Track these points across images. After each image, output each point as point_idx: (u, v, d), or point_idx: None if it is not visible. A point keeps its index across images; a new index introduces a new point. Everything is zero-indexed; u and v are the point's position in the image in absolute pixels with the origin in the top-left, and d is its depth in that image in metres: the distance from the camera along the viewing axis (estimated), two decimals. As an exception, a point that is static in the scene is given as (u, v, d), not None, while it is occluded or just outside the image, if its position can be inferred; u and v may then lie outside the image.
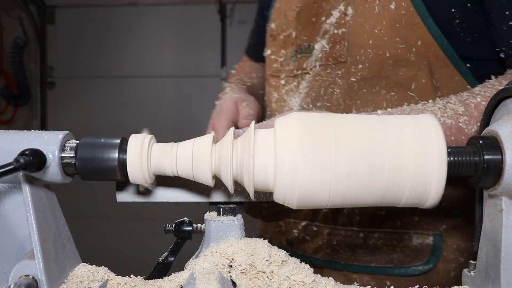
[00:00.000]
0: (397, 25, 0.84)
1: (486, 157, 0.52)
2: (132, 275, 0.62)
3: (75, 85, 3.52)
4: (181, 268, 0.62)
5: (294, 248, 1.07)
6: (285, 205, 0.55)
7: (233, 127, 0.59)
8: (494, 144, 0.52)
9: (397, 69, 0.86)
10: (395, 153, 0.52)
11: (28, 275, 0.54)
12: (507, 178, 0.50)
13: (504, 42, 0.81)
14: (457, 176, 0.54)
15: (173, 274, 0.60)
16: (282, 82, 1.05)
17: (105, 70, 3.51)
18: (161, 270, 0.69)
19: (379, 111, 0.76)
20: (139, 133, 0.59)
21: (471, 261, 0.59)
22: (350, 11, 0.88)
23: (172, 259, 0.70)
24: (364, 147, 0.52)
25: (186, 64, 3.45)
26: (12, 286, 0.51)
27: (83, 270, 0.61)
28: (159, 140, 0.61)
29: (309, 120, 0.54)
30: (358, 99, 0.90)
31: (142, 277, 0.62)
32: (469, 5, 0.82)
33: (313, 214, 1.04)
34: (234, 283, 0.58)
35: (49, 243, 0.56)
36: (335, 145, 0.51)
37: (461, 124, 0.70)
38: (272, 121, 0.68)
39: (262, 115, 1.07)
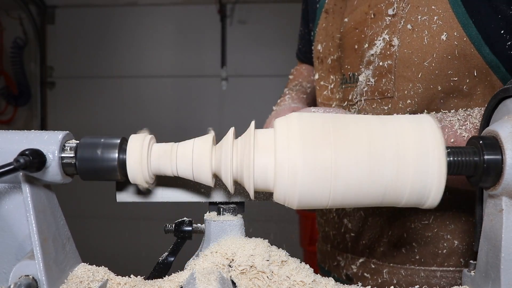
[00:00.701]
0: (449, 57, 0.78)
1: (486, 157, 0.52)
2: (132, 275, 0.62)
3: (75, 85, 3.52)
4: (181, 268, 0.62)
5: (354, 282, 1.04)
6: (285, 205, 0.55)
7: (233, 127, 0.59)
8: (494, 144, 0.52)
9: (449, 101, 0.81)
10: (395, 153, 0.52)
11: (28, 275, 0.54)
12: (507, 178, 0.50)
13: None
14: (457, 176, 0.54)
15: (173, 274, 0.60)
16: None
17: (105, 70, 3.51)
18: (161, 270, 0.69)
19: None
20: (139, 133, 0.59)
21: (471, 261, 0.59)
22: (396, 41, 0.83)
23: (172, 259, 0.70)
24: (364, 147, 0.52)
25: (186, 64, 3.45)
26: (12, 286, 0.51)
27: (83, 270, 0.61)
28: (159, 140, 0.61)
29: (309, 120, 0.54)
30: None
31: (142, 277, 0.62)
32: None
33: (369, 251, 1.01)
34: (234, 283, 0.58)
35: (49, 243, 0.56)
36: (335, 145, 0.51)
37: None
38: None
39: None
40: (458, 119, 0.70)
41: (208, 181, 0.58)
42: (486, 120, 0.57)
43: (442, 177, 0.51)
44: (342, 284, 0.59)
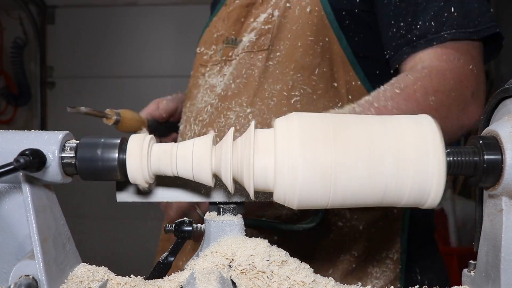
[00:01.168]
0: (310, 22, 1.05)
1: (486, 157, 0.52)
2: (132, 275, 0.62)
3: (75, 85, 3.52)
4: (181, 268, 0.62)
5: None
6: (285, 205, 0.55)
7: (233, 128, 0.60)
8: (494, 144, 0.52)
9: (305, 56, 1.06)
10: (395, 153, 0.52)
11: (28, 275, 0.54)
12: (507, 178, 0.50)
13: (388, 45, 1.01)
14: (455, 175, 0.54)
15: (173, 274, 0.60)
16: (207, 69, 1.25)
17: (105, 70, 3.51)
18: (161, 270, 0.69)
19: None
20: (138, 132, 0.59)
21: (471, 261, 0.59)
22: (276, 13, 1.10)
23: (172, 259, 0.70)
24: (364, 147, 0.52)
25: (186, 64, 3.44)
26: (12, 286, 0.51)
27: (83, 270, 0.61)
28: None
29: (309, 120, 0.54)
30: (270, 78, 1.08)
31: (142, 277, 0.62)
32: (356, 11, 1.05)
33: None
34: (234, 283, 0.58)
35: (49, 243, 0.56)
36: (335, 145, 0.51)
37: (357, 112, 0.84)
38: None
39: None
40: (343, 110, 0.88)
41: (208, 181, 0.58)
42: (486, 120, 0.57)
43: (442, 177, 0.51)
44: (342, 284, 0.59)
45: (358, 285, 0.60)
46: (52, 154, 0.55)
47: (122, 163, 0.56)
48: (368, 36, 1.07)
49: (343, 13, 1.05)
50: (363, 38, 1.07)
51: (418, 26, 0.95)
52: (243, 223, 0.64)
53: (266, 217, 1.08)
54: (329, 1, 1.05)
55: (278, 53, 1.09)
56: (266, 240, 0.61)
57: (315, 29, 1.06)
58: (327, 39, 1.06)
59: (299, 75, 1.07)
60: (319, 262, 1.09)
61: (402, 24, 0.97)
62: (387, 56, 1.02)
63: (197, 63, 1.33)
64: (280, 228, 1.08)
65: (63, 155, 0.56)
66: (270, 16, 1.11)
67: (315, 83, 1.06)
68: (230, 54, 1.19)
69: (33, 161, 0.51)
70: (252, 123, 0.56)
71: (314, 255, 1.10)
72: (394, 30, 0.98)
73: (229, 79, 1.15)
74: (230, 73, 1.15)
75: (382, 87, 0.90)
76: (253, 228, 1.09)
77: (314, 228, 1.07)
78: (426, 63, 0.93)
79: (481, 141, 0.53)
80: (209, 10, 1.56)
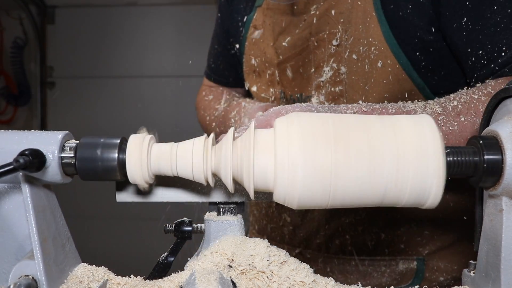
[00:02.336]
0: (385, 81, 0.91)
1: (486, 157, 0.52)
2: (132, 275, 0.62)
3: (75, 85, 3.52)
4: (181, 268, 0.62)
5: None
6: (285, 205, 0.55)
7: (233, 127, 0.59)
8: (494, 144, 0.52)
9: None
10: (395, 153, 0.52)
11: (28, 275, 0.54)
12: (507, 178, 0.50)
13: (469, 75, 0.86)
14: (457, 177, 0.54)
15: (173, 274, 0.60)
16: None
17: (105, 70, 3.51)
18: (161, 270, 0.69)
19: (361, 102, 0.81)
20: (136, 132, 0.59)
21: (471, 261, 0.59)
22: (343, 69, 0.94)
23: (172, 259, 0.70)
24: (363, 147, 0.52)
25: (186, 64, 3.45)
26: (12, 286, 0.51)
27: (83, 270, 0.61)
28: (159, 140, 0.61)
29: (309, 120, 0.54)
30: None
31: (142, 277, 0.62)
32: (430, 42, 0.88)
33: (306, 244, 1.12)
34: (234, 283, 0.58)
35: (49, 243, 0.56)
36: (334, 145, 0.51)
37: (439, 122, 0.74)
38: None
39: None
40: (419, 106, 0.77)
41: (208, 181, 0.58)
42: (486, 120, 0.57)
43: (442, 177, 0.51)
44: (342, 285, 0.59)
45: (358, 285, 0.60)
46: (51, 154, 0.55)
47: (122, 163, 0.56)
48: (447, 70, 0.92)
49: (417, 53, 0.88)
50: (442, 75, 0.92)
51: (502, 53, 0.79)
52: (243, 223, 0.64)
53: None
54: (401, 46, 0.88)
55: None
56: (266, 240, 0.61)
57: (391, 88, 0.91)
58: (406, 95, 0.91)
59: None
60: None
61: (480, 52, 0.81)
62: (469, 63, 0.86)
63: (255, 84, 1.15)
64: None
65: (62, 155, 0.56)
66: (336, 74, 0.95)
67: None
68: None
69: (33, 161, 0.51)
70: (252, 123, 0.56)
71: None
72: (473, 59, 0.83)
73: None
74: None
75: (476, 92, 0.76)
76: None
77: None
78: None
79: (481, 141, 0.53)
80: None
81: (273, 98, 1.10)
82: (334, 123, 0.54)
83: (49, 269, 0.55)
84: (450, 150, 0.53)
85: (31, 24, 3.48)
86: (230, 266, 0.59)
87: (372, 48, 0.90)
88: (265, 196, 0.67)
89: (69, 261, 0.61)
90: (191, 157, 0.57)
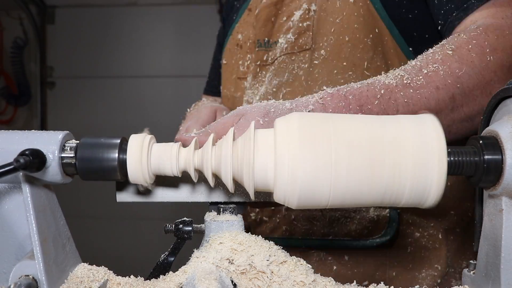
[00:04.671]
0: (356, 13, 0.95)
1: (486, 157, 0.52)
2: (132, 275, 0.62)
3: (75, 85, 3.52)
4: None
5: (251, 232, 1.08)
6: (285, 205, 0.55)
7: (233, 127, 0.59)
8: (494, 144, 0.52)
9: (355, 51, 0.96)
10: (395, 153, 0.52)
11: (28, 275, 0.54)
12: (507, 178, 0.50)
13: (437, 15, 0.89)
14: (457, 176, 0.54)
15: (173, 274, 0.60)
16: (249, 80, 1.12)
17: (105, 70, 3.51)
18: (161, 270, 0.69)
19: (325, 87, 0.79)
20: (139, 133, 0.59)
21: (471, 261, 0.59)
22: (313, 7, 0.99)
23: (172, 259, 0.70)
24: (364, 148, 0.52)
25: (186, 64, 3.44)
26: (12, 286, 0.51)
27: (83, 270, 0.61)
28: (159, 140, 0.61)
29: (309, 120, 0.54)
30: (319, 80, 0.98)
31: (142, 277, 0.62)
32: None
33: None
34: (234, 283, 0.58)
35: (49, 243, 0.56)
36: (335, 145, 0.51)
37: (405, 81, 0.72)
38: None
39: None
40: (382, 76, 0.76)
41: (208, 181, 0.58)
42: (486, 120, 0.57)
43: (442, 177, 0.51)
44: (342, 284, 0.59)
45: (358, 285, 0.60)
46: (52, 154, 0.55)
47: (122, 163, 0.56)
48: (418, 13, 0.95)
49: None
50: (412, 19, 0.95)
51: None
52: (243, 223, 0.64)
53: (333, 236, 1.00)
54: None
55: (322, 51, 0.98)
56: (267, 240, 0.61)
57: (362, 20, 0.95)
58: (376, 30, 0.96)
59: (350, 73, 0.97)
60: (398, 282, 0.98)
61: None
62: (439, 28, 0.90)
63: (229, 77, 1.20)
64: (351, 245, 0.99)
65: (63, 155, 0.56)
66: (307, 12, 1.00)
67: None
68: (264, 58, 1.08)
69: (33, 161, 0.51)
70: (252, 123, 0.56)
71: (392, 273, 1.00)
72: None
73: (270, 86, 1.04)
74: (270, 79, 1.05)
75: (430, 50, 0.78)
76: (320, 250, 1.01)
77: (389, 242, 0.98)
78: (479, 22, 0.81)
79: (481, 141, 0.53)
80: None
81: (248, 62, 1.13)
82: (334, 122, 0.54)
83: (49, 269, 0.55)
84: (450, 150, 0.53)
85: (31, 24, 3.48)
86: (230, 266, 0.59)
87: None
88: (265, 196, 0.67)
89: (69, 261, 0.61)
90: (191, 157, 0.57)
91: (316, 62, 0.98)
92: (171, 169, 0.58)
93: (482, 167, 0.52)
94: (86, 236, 2.81)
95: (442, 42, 0.78)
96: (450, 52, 0.74)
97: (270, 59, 1.06)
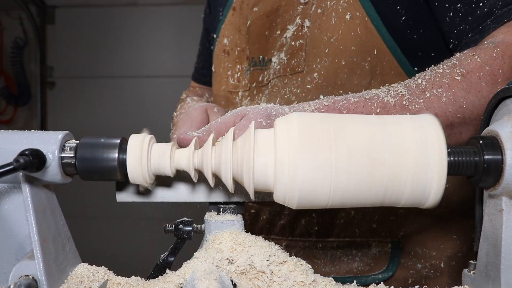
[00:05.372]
0: (353, 33, 0.87)
1: (486, 157, 0.52)
2: (132, 275, 0.62)
3: (75, 85, 3.52)
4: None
5: None
6: (285, 205, 0.55)
7: (233, 128, 0.59)
8: (494, 144, 0.52)
9: (352, 77, 0.88)
10: (395, 153, 0.52)
11: (28, 275, 0.54)
12: (507, 178, 0.50)
13: (449, 33, 0.83)
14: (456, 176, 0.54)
15: (173, 274, 0.60)
16: (240, 96, 1.04)
17: (105, 70, 3.51)
18: (161, 270, 0.69)
19: (322, 97, 0.76)
20: (139, 133, 0.59)
21: (471, 261, 0.59)
22: (307, 23, 0.91)
23: (172, 259, 0.70)
24: (364, 147, 0.52)
25: (186, 64, 3.43)
26: (12, 286, 0.51)
27: (83, 270, 0.61)
28: (159, 140, 0.61)
29: (309, 120, 0.54)
30: None
31: (142, 277, 0.62)
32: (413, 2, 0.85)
33: (269, 227, 1.04)
34: (234, 283, 0.58)
35: (49, 243, 0.56)
36: (335, 145, 0.51)
37: (404, 103, 0.69)
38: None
39: None
40: (382, 90, 0.72)
41: (208, 181, 0.58)
42: (486, 120, 0.57)
43: (442, 177, 0.51)
44: (342, 284, 0.59)
45: (358, 285, 0.60)
46: (52, 154, 0.55)
47: (122, 163, 0.56)
48: (424, 32, 0.88)
49: (395, 7, 0.85)
50: (417, 39, 0.88)
51: (481, 4, 0.76)
52: (243, 223, 0.64)
53: (335, 273, 0.97)
54: (372, 1, 0.85)
55: (315, 74, 0.90)
56: (266, 240, 0.61)
57: (359, 41, 0.87)
58: (375, 51, 0.87)
59: None
60: None
61: (459, 5, 0.79)
62: (450, 46, 0.84)
63: (224, 88, 1.11)
64: (353, 283, 0.98)
65: (63, 155, 0.56)
66: (300, 28, 0.92)
67: None
68: (260, 78, 1.00)
69: (33, 161, 0.51)
70: (252, 123, 0.56)
71: None
72: (451, 14, 0.80)
73: None
74: (266, 103, 1.00)
75: (440, 67, 0.72)
76: None
77: (392, 276, 0.95)
78: (499, 38, 0.73)
79: (481, 141, 0.53)
80: None
81: (238, 74, 1.06)
82: (334, 122, 0.54)
83: (49, 269, 0.55)
84: (451, 150, 0.53)
85: (31, 24, 3.48)
86: (230, 266, 0.59)
87: (341, 1, 0.88)
88: (265, 196, 0.67)
89: (69, 261, 0.61)
90: (191, 157, 0.57)
91: (309, 86, 0.91)
92: (171, 169, 0.58)
93: (482, 167, 0.52)
94: (86, 236, 2.81)
95: (453, 61, 0.73)
96: (459, 78, 0.70)
97: (265, 80, 1.00)
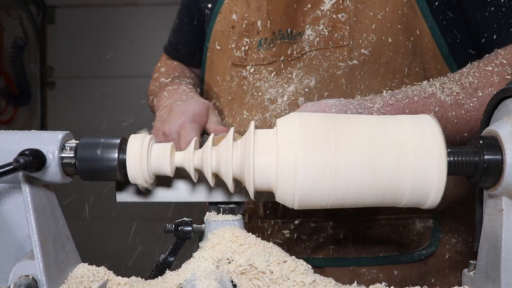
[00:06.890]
0: (400, 12, 0.87)
1: (486, 157, 0.52)
2: (132, 275, 0.62)
3: (75, 85, 3.52)
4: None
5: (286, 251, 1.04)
6: (286, 205, 0.55)
7: (233, 128, 0.59)
8: (494, 144, 0.52)
9: (397, 55, 0.89)
10: (395, 154, 0.52)
11: (28, 275, 0.54)
12: (507, 178, 0.50)
13: (484, 27, 0.85)
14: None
15: (173, 274, 0.60)
16: (251, 70, 1.00)
17: (105, 70, 3.50)
18: (161, 270, 0.69)
19: (384, 93, 0.78)
20: (138, 133, 0.59)
21: (471, 261, 0.59)
22: None
23: (172, 259, 0.70)
24: (364, 147, 0.52)
25: (186, 64, 3.44)
26: (12, 286, 0.51)
27: (83, 270, 0.61)
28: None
29: (310, 120, 0.54)
30: (359, 83, 0.90)
31: (142, 277, 0.62)
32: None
33: (307, 210, 0.99)
34: (234, 283, 0.58)
35: (49, 243, 0.56)
36: (335, 145, 0.51)
37: (460, 101, 0.74)
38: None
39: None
40: (436, 87, 0.76)
41: (209, 180, 0.58)
42: (486, 120, 0.57)
43: (442, 177, 0.51)
44: (342, 285, 0.59)
45: (358, 285, 0.60)
46: (52, 154, 0.55)
47: (122, 163, 0.56)
48: (460, 15, 0.89)
49: None
50: (454, 20, 0.89)
51: None
52: (243, 223, 0.64)
53: (384, 252, 0.98)
54: None
55: (363, 50, 0.89)
56: (266, 241, 0.61)
57: (405, 20, 0.87)
58: (418, 31, 0.88)
59: (390, 80, 0.89)
60: None
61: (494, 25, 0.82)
62: (482, 40, 0.86)
63: (221, 64, 1.07)
64: (400, 260, 0.97)
65: (62, 155, 0.56)
66: (341, 1, 0.90)
67: None
68: (288, 52, 0.97)
69: (33, 161, 0.51)
70: (252, 123, 0.56)
71: (431, 280, 0.99)
72: (492, 8, 0.81)
73: (301, 85, 0.93)
74: (301, 77, 0.94)
75: (487, 64, 0.75)
76: (371, 266, 0.98)
77: (434, 252, 0.97)
78: None
79: (481, 141, 0.53)
80: None
81: (246, 48, 1.02)
82: (335, 123, 0.54)
83: (49, 269, 0.55)
84: (451, 150, 0.53)
85: (31, 24, 3.48)
86: (230, 266, 0.59)
87: None
88: (265, 196, 0.67)
89: (69, 261, 0.61)
90: (191, 157, 0.57)
91: (356, 62, 0.90)
92: (171, 169, 0.58)
93: (482, 167, 0.52)
94: (86, 236, 2.81)
95: (500, 59, 0.77)
96: (509, 77, 0.73)
97: (295, 53, 0.96)
